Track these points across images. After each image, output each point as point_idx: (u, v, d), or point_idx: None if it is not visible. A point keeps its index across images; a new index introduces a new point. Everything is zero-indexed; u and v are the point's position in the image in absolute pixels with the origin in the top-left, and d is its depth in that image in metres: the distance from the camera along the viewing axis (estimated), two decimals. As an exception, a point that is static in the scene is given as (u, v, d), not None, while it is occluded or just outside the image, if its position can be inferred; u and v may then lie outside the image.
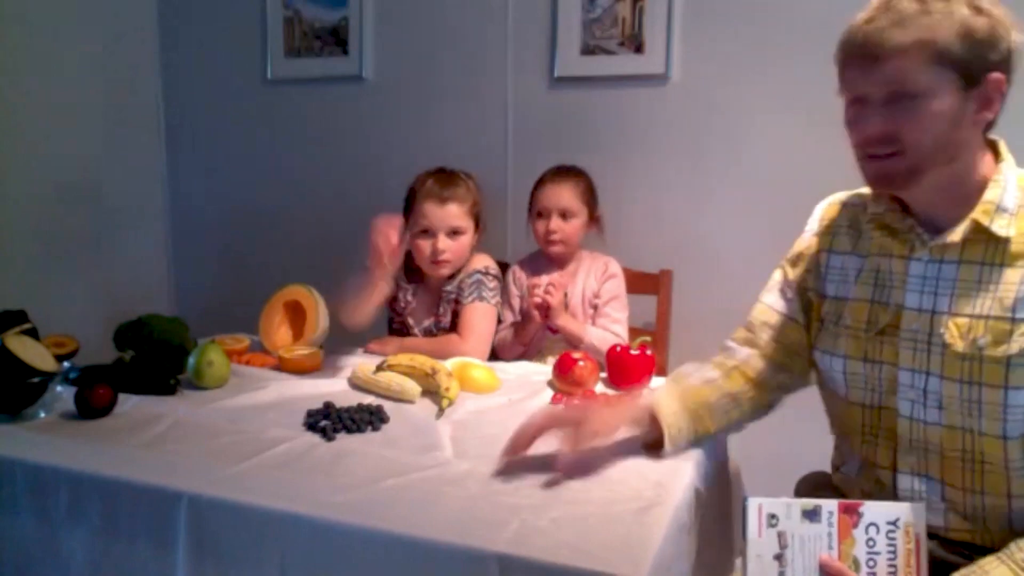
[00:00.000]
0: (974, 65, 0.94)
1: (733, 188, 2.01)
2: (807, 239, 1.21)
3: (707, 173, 2.03)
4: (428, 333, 1.86)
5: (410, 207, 1.81)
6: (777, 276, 1.25)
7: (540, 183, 1.92)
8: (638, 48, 2.03)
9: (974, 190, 1.00)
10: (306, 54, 2.38)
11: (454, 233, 1.77)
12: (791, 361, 1.23)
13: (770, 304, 1.24)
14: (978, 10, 0.94)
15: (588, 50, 2.08)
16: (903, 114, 0.96)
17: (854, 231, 1.14)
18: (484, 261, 1.85)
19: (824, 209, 1.21)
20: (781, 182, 1.95)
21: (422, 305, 1.87)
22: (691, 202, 2.05)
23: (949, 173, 0.99)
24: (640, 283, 1.96)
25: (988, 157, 1.02)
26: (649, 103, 2.05)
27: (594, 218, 1.93)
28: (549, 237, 1.87)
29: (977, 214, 0.99)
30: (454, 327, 1.81)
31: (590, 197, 1.91)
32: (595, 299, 1.88)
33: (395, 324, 1.92)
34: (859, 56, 0.97)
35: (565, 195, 1.87)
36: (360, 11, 2.29)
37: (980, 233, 0.99)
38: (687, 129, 2.03)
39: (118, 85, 2.48)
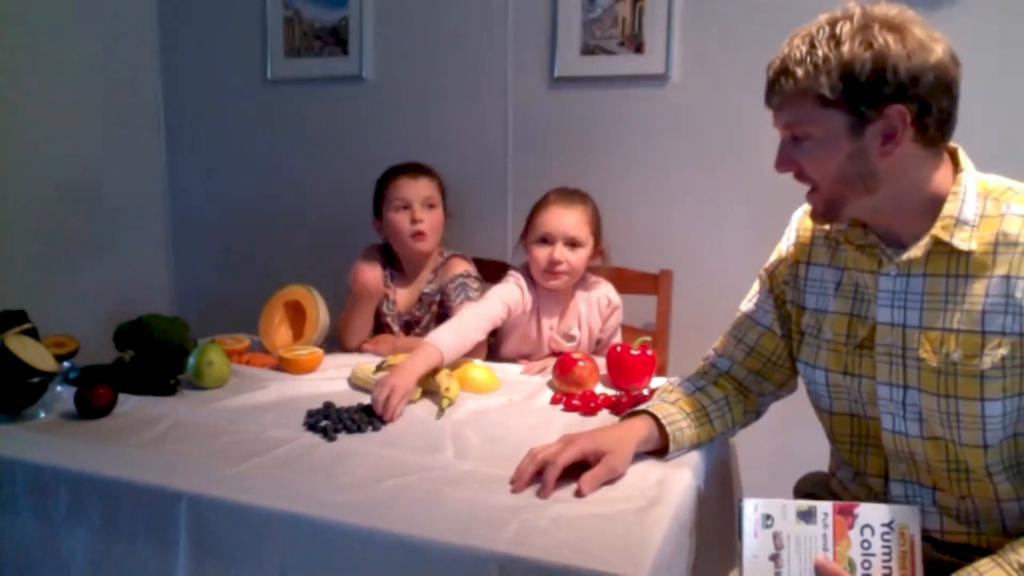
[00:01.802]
0: (864, 103, 0.93)
1: (733, 188, 2.00)
2: (785, 249, 1.20)
3: (707, 173, 2.03)
4: (406, 329, 1.87)
5: (381, 196, 1.86)
6: (756, 286, 1.25)
7: (544, 205, 1.71)
8: (638, 48, 2.02)
9: (931, 204, 0.99)
10: (306, 54, 2.38)
11: (429, 206, 1.81)
12: (770, 371, 1.24)
13: (749, 314, 1.24)
14: (868, 44, 0.92)
15: (588, 50, 2.07)
16: (802, 155, 1.00)
17: (830, 243, 1.13)
18: (464, 265, 1.86)
19: (800, 219, 1.20)
20: (781, 182, 1.93)
21: (401, 300, 1.89)
22: (691, 202, 2.05)
23: (886, 197, 0.98)
24: (640, 283, 1.96)
25: (945, 169, 1.00)
26: (649, 103, 2.05)
27: (599, 250, 1.75)
28: (554, 268, 1.65)
29: (937, 230, 0.97)
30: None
31: (597, 226, 1.74)
32: (599, 334, 1.78)
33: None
34: (766, 100, 1.02)
35: (574, 221, 1.67)
36: (360, 11, 2.28)
37: (942, 246, 0.98)
38: (687, 129, 2.03)
39: (118, 85, 2.48)
